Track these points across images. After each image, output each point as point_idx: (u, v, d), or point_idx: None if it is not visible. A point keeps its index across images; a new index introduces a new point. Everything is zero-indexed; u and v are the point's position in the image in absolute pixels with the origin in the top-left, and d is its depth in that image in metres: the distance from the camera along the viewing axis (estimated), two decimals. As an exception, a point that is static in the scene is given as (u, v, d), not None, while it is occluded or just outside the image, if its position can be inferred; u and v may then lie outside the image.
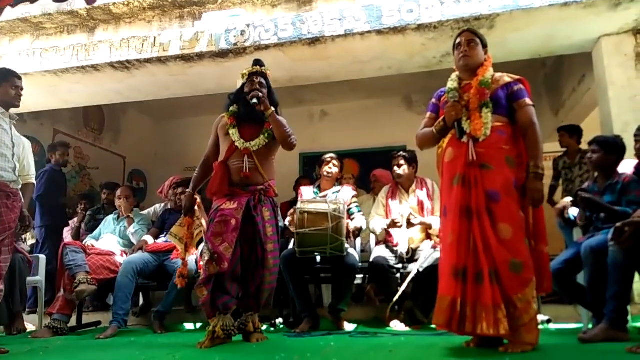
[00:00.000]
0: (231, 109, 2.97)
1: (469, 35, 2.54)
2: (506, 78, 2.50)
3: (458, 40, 2.57)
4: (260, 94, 2.83)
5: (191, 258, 3.82)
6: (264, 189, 2.87)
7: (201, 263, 2.73)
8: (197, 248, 3.72)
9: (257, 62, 3.02)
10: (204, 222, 3.59)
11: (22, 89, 3.23)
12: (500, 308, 2.15)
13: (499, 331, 2.13)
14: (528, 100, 2.46)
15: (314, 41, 4.28)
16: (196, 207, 3.12)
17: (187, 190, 3.06)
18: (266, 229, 2.83)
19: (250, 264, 2.82)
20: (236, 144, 2.84)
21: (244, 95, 2.89)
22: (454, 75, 2.60)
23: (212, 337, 2.67)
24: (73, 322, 3.94)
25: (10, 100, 3.16)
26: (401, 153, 3.93)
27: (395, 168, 3.91)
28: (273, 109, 2.86)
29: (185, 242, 3.15)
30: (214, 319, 2.70)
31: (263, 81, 2.94)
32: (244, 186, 2.81)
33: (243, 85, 2.96)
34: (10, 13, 4.68)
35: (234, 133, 2.87)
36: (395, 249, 3.72)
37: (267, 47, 4.32)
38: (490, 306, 2.15)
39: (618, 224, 2.55)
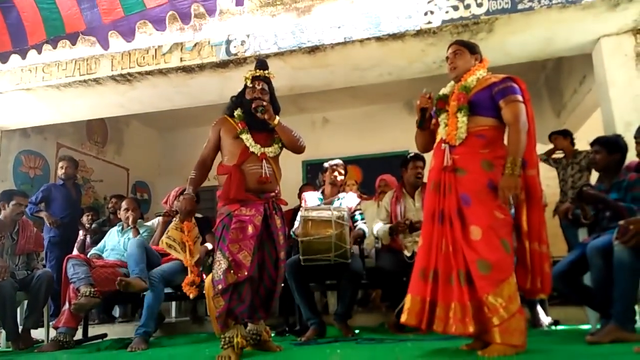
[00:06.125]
0: (237, 112, 2.89)
1: (454, 47, 2.66)
2: (493, 78, 2.50)
3: (447, 54, 2.69)
4: (263, 103, 2.78)
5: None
6: (275, 196, 2.87)
7: (216, 272, 2.60)
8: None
9: (261, 65, 2.93)
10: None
11: None
12: (466, 308, 2.20)
13: (465, 330, 2.18)
14: (515, 97, 2.41)
15: (314, 49, 4.30)
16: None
17: (186, 192, 2.85)
18: (279, 237, 2.82)
19: (262, 272, 2.77)
20: (252, 149, 2.78)
21: (248, 102, 2.83)
22: (451, 83, 2.67)
23: (235, 348, 2.56)
24: (79, 335, 3.94)
25: None
26: (421, 156, 3.90)
27: (420, 170, 3.91)
28: (278, 118, 2.83)
29: (188, 245, 3.00)
30: (227, 330, 2.60)
31: (266, 87, 2.88)
32: (258, 193, 2.77)
33: (245, 88, 2.91)
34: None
35: (247, 138, 2.80)
36: (399, 253, 3.71)
37: (267, 56, 4.32)
38: (458, 306, 2.22)
39: (621, 222, 2.54)
